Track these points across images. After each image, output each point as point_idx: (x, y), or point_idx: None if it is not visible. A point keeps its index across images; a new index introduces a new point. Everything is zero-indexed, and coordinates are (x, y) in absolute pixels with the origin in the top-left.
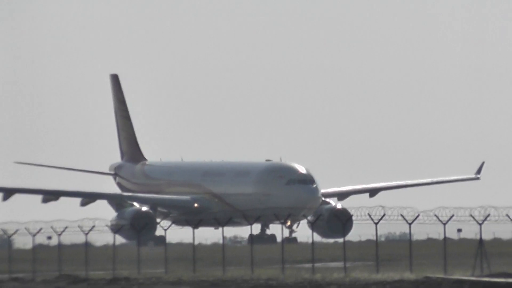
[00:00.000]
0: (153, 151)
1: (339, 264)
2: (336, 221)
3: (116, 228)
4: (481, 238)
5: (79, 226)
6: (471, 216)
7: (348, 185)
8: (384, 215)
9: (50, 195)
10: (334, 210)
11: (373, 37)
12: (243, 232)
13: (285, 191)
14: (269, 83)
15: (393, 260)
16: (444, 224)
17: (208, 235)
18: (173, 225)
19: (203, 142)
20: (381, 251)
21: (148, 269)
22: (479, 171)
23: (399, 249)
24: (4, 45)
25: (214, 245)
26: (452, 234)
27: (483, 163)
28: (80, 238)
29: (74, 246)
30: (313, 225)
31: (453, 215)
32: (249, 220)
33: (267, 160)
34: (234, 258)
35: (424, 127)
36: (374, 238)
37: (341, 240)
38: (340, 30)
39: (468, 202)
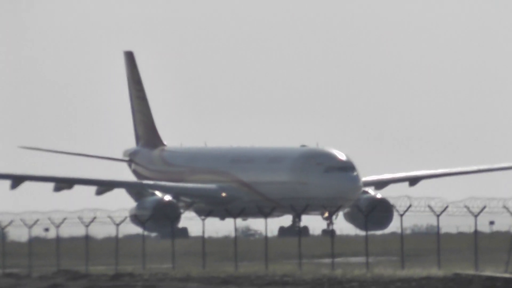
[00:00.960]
0: (172, 136)
1: (361, 259)
2: (375, 212)
3: (136, 219)
4: None
5: (79, 218)
6: (505, 207)
7: (386, 173)
8: (410, 206)
9: (64, 183)
10: (373, 200)
11: (408, 19)
12: (273, 223)
13: (323, 179)
14: (305, 62)
15: (420, 255)
16: (475, 216)
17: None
18: (196, 216)
19: (228, 126)
20: (406, 245)
21: (154, 264)
22: None
23: (426, 243)
24: (15, 23)
25: (226, 239)
26: (484, 227)
27: None
28: (80, 231)
29: (73, 239)
30: (349, 216)
31: (485, 207)
32: (288, 210)
33: (302, 146)
34: (247, 252)
35: (469, 111)
36: (399, 231)
37: (379, 232)
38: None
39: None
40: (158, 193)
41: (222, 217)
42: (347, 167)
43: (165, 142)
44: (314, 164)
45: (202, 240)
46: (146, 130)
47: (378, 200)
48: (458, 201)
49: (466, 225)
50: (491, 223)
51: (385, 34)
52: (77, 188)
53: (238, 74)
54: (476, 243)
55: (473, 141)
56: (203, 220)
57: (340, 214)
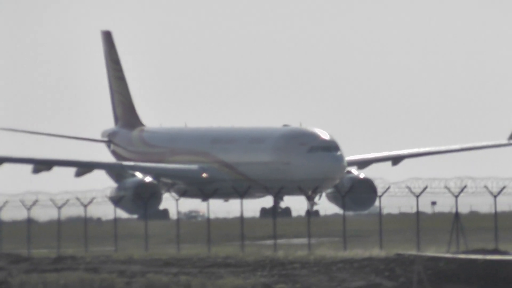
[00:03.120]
0: (152, 116)
1: (303, 240)
2: (357, 192)
3: (116, 200)
4: (457, 212)
5: (20, 201)
6: (446, 188)
7: (369, 153)
8: (352, 187)
9: (42, 165)
10: (357, 180)
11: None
12: (255, 204)
13: (307, 159)
14: (285, 40)
15: (362, 236)
16: (417, 196)
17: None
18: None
19: (209, 106)
20: (348, 226)
21: (97, 246)
22: (511, 136)
23: (368, 224)
24: None
25: (168, 221)
26: (426, 207)
27: None
28: (22, 214)
29: (15, 223)
30: (332, 197)
31: (426, 187)
32: (266, 191)
33: (285, 125)
34: (190, 234)
35: (452, 90)
36: (341, 212)
37: (364, 212)
38: None
39: (500, 170)
40: (139, 174)
41: (204, 198)
42: (331, 147)
43: (144, 123)
44: (297, 144)
45: (145, 224)
46: (125, 111)
47: (361, 180)
48: (400, 182)
49: (408, 205)
50: (433, 203)
51: (366, 17)
52: (56, 169)
53: (218, 54)
54: (418, 223)
55: (457, 120)
56: (177, 200)
57: (324, 194)
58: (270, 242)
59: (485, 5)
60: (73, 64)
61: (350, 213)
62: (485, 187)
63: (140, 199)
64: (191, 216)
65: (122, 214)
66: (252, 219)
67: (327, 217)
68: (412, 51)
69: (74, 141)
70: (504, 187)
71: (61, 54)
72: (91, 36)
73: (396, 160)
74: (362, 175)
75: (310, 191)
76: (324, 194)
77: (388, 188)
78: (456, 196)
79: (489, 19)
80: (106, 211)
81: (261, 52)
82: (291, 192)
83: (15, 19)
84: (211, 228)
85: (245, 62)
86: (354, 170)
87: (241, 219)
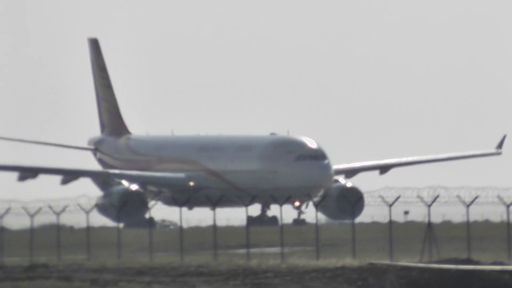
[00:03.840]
0: (139, 124)
1: (276, 249)
2: (346, 201)
3: (103, 209)
4: (429, 221)
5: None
6: (419, 197)
7: (356, 161)
8: (325, 196)
9: (28, 172)
10: (344, 189)
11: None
12: (240, 213)
13: (294, 168)
14: (272, 47)
15: (335, 245)
16: (390, 205)
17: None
18: (162, 205)
19: (196, 114)
20: (321, 235)
21: (70, 255)
22: (500, 145)
23: (341, 234)
24: None
25: (141, 230)
26: (398, 216)
27: (505, 136)
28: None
29: None
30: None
31: (399, 196)
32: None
33: (272, 134)
34: (163, 243)
35: (440, 98)
36: (329, 221)
37: (350, 221)
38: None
39: (490, 179)
40: (125, 182)
41: (190, 207)
42: (318, 155)
43: (130, 131)
44: (284, 152)
45: (118, 231)
46: (112, 118)
47: (348, 188)
48: (373, 191)
49: (381, 215)
50: (406, 213)
51: (354, 22)
52: (42, 177)
53: (205, 61)
54: (391, 233)
55: (445, 129)
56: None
57: (311, 203)
58: (243, 251)
59: (473, 20)
60: (59, 71)
61: (332, 222)
62: (458, 196)
63: (126, 207)
64: (163, 225)
65: (95, 222)
66: (226, 227)
67: (310, 226)
68: (399, 61)
69: (60, 148)
70: (476, 197)
71: (47, 61)
72: (77, 44)
73: (383, 169)
74: (349, 184)
75: (297, 199)
76: (311, 203)
77: (325, 196)
78: (429, 206)
79: (474, 31)
80: (80, 219)
81: (248, 60)
82: (276, 201)
83: (3, 27)
84: (185, 237)
85: (232, 70)
86: (341, 179)
87: (214, 228)
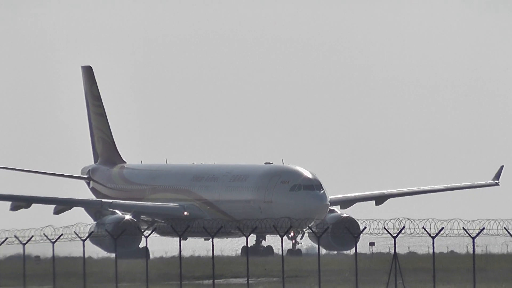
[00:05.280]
0: (133, 153)
1: (242, 280)
2: (342, 231)
3: (95, 239)
4: (395, 253)
5: None
6: (385, 228)
7: (352, 192)
8: (290, 227)
9: (21, 202)
10: (340, 220)
11: (381, 39)
12: (237, 243)
13: (289, 198)
14: (269, 78)
15: (300, 276)
16: (356, 237)
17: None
18: (157, 235)
19: (190, 143)
20: (287, 266)
21: (34, 285)
22: (497, 176)
23: (306, 265)
24: None
25: (106, 260)
26: (364, 248)
27: (502, 167)
28: None
29: None
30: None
31: (365, 228)
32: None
33: (267, 163)
34: (128, 273)
35: (436, 129)
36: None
37: (346, 252)
38: (347, 29)
39: (486, 211)
40: (118, 212)
41: (184, 237)
42: (314, 185)
43: (125, 160)
44: (279, 182)
45: (83, 261)
46: (105, 147)
47: (345, 219)
48: (338, 223)
49: (308, 247)
50: (371, 244)
51: (350, 50)
52: (34, 207)
53: (199, 90)
54: (357, 264)
55: (442, 159)
56: (115, 239)
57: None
58: (208, 281)
59: (470, 51)
60: (52, 99)
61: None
62: (423, 228)
63: (120, 237)
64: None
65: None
66: (191, 257)
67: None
68: (395, 92)
69: (53, 177)
70: (442, 229)
71: (39, 89)
72: (71, 71)
73: (379, 199)
74: (344, 215)
75: (291, 230)
76: (306, 234)
77: (327, 229)
78: (394, 237)
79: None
80: (45, 249)
81: (243, 89)
82: (272, 231)
83: None
84: (151, 268)
85: (226, 99)
86: (337, 209)
87: (180, 259)
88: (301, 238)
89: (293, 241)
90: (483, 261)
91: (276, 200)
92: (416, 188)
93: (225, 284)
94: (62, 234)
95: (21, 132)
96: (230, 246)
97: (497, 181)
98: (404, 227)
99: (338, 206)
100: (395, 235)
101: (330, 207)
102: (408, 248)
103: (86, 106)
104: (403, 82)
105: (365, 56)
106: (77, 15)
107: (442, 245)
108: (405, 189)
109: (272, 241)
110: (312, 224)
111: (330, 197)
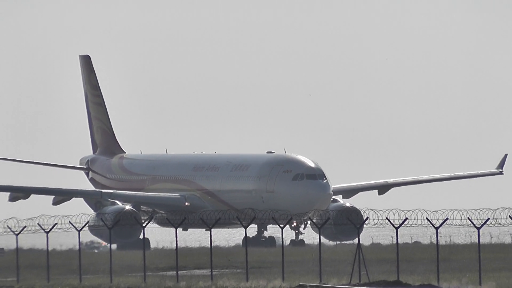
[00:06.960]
0: (132, 143)
1: (205, 271)
2: (345, 222)
3: (95, 230)
4: (359, 243)
5: None
6: (349, 219)
7: (355, 181)
8: (254, 218)
9: (20, 193)
10: (343, 209)
11: (384, 30)
12: (238, 233)
13: (292, 187)
14: (271, 66)
15: (264, 267)
16: (319, 227)
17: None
18: (156, 225)
19: (190, 132)
20: (250, 257)
21: None
22: (501, 165)
23: (270, 256)
24: None
25: (70, 251)
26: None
27: (506, 156)
28: None
29: None
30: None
31: (329, 218)
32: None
33: (269, 152)
34: (92, 265)
35: (439, 118)
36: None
37: (348, 242)
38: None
39: (490, 200)
40: (118, 203)
41: (185, 228)
42: (317, 175)
43: (124, 150)
44: (281, 171)
45: (47, 253)
46: (104, 137)
47: (347, 209)
48: (302, 214)
49: (310, 237)
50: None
51: (353, 41)
52: (33, 197)
53: (200, 79)
54: (320, 254)
55: (445, 148)
56: (79, 231)
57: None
58: (172, 273)
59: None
60: (50, 89)
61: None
62: (387, 219)
63: (119, 227)
64: (92, 247)
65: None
66: (162, 250)
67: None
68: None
69: (51, 168)
70: (406, 219)
71: (37, 79)
72: (69, 61)
73: (382, 189)
74: (348, 204)
75: (292, 221)
76: (309, 223)
77: (291, 219)
78: (358, 228)
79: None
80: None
81: (244, 78)
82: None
83: None
84: (115, 259)
85: (227, 88)
86: (340, 199)
87: (144, 251)
88: (304, 228)
89: (296, 231)
90: (446, 251)
91: (279, 189)
92: (419, 177)
93: (189, 275)
94: (25, 226)
95: (19, 122)
96: (235, 236)
97: (501, 170)
98: (367, 218)
99: (341, 196)
100: (358, 226)
101: (333, 197)
102: (372, 238)
103: (84, 96)
104: (406, 72)
105: (367, 46)
106: (75, 4)
107: (406, 236)
108: (408, 178)
109: (275, 231)
110: (312, 213)
111: (333, 186)
